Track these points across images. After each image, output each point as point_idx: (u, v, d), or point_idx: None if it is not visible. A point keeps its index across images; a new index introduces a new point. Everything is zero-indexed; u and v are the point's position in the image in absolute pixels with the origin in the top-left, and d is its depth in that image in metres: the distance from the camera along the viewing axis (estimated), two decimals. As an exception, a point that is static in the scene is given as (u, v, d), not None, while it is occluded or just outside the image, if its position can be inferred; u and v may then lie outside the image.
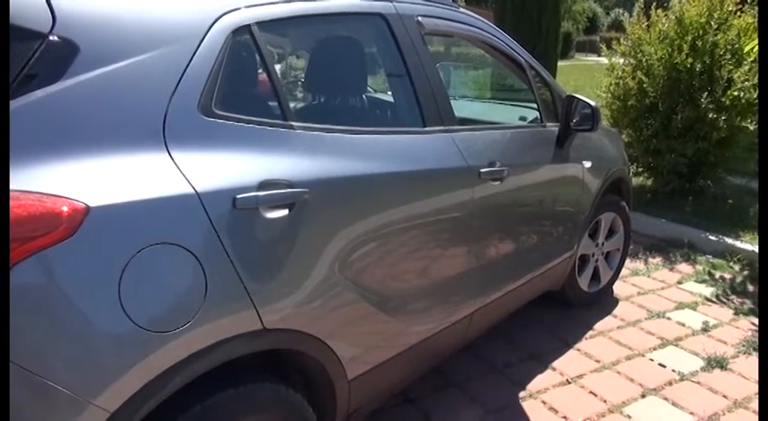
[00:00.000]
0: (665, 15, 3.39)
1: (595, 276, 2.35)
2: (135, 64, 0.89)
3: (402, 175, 1.28)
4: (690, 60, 3.14)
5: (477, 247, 1.55)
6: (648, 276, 2.69)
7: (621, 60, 3.59)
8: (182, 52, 0.95)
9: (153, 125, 0.89)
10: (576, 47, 27.43)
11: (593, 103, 1.88)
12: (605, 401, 1.74)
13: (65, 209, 0.76)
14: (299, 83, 1.84)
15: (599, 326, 2.21)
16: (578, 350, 2.03)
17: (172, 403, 0.88)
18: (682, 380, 1.86)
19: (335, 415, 1.20)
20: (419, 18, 1.48)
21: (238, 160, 0.98)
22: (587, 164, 2.06)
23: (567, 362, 1.95)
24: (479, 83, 3.32)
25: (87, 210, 0.78)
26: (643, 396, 1.77)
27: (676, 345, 2.07)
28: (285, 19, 1.16)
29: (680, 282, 2.63)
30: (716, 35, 3.15)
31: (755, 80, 3.06)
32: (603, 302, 2.39)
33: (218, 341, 0.91)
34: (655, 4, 3.41)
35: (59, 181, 0.78)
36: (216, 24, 1.01)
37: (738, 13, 3.24)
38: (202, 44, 0.97)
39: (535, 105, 1.94)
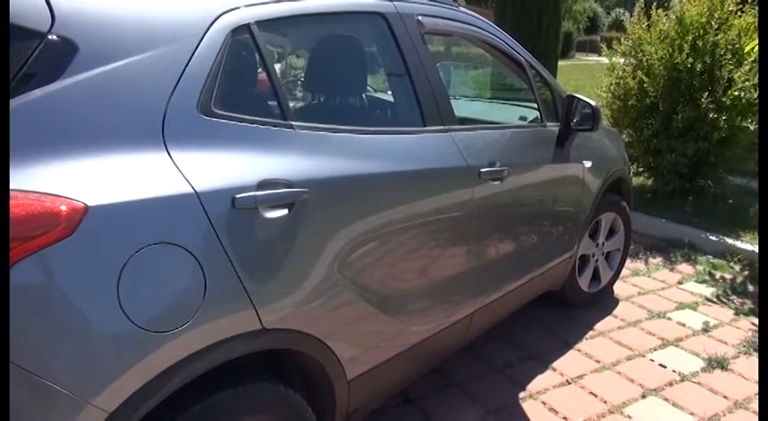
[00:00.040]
0: (666, 15, 3.38)
1: (596, 276, 2.35)
2: (134, 63, 0.89)
3: (402, 175, 1.28)
4: (690, 60, 3.13)
5: (477, 247, 1.55)
6: (649, 276, 2.69)
7: (622, 60, 3.58)
8: (181, 51, 0.95)
9: (152, 124, 0.89)
10: (576, 46, 27.41)
11: (593, 103, 1.87)
12: (605, 402, 1.74)
13: (63, 208, 0.76)
14: (299, 82, 1.84)
15: (599, 326, 2.21)
16: (578, 350, 2.02)
17: (171, 403, 0.88)
18: (682, 380, 1.86)
19: (335, 415, 1.20)
20: (419, 17, 1.48)
21: (238, 160, 0.97)
22: (588, 164, 2.06)
23: (568, 362, 1.95)
24: (479, 82, 3.32)
25: (86, 209, 0.77)
26: (643, 396, 1.77)
27: (677, 346, 2.07)
28: (285, 18, 1.16)
29: (680, 283, 2.62)
30: (716, 35, 3.15)
31: (756, 80, 3.06)
32: (604, 302, 2.39)
33: (218, 341, 0.91)
34: (655, 3, 3.41)
35: (58, 180, 0.77)
36: (215, 23, 1.00)
37: (739, 13, 3.23)
38: (202, 43, 0.97)
39: (535, 105, 1.94)
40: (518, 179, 1.68)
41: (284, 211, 1.00)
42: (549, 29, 5.21)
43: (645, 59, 3.33)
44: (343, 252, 1.12)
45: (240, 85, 1.14)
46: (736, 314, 2.32)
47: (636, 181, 3.63)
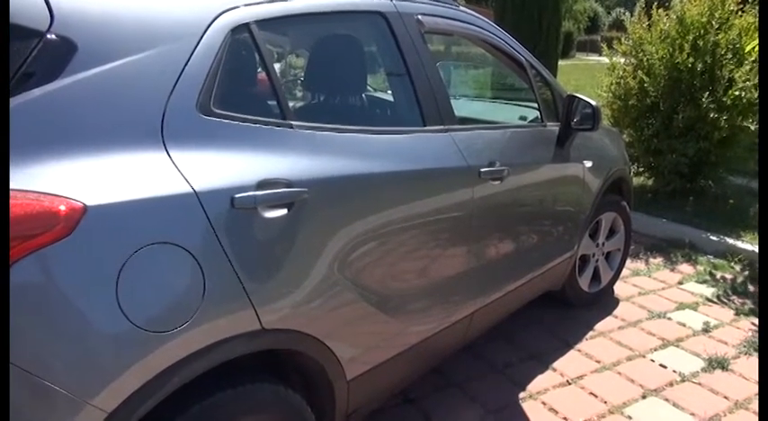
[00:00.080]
0: (667, 15, 3.38)
1: (596, 276, 2.34)
2: (133, 62, 0.89)
3: (401, 175, 1.28)
4: (691, 60, 3.13)
5: (477, 247, 1.54)
6: (649, 276, 2.69)
7: (622, 60, 3.58)
8: (180, 51, 0.94)
9: (151, 124, 0.89)
10: (576, 46, 27.39)
11: (593, 103, 1.87)
12: (606, 402, 1.73)
13: (62, 208, 0.76)
14: (299, 82, 1.84)
15: (599, 326, 2.20)
16: (579, 350, 2.02)
17: (170, 403, 0.87)
18: (683, 380, 1.86)
19: (334, 415, 1.20)
20: (419, 16, 1.47)
21: (237, 159, 0.97)
22: (588, 163, 2.06)
23: (568, 362, 1.94)
24: (480, 82, 3.31)
25: (85, 209, 0.77)
26: (644, 397, 1.77)
27: (677, 346, 2.07)
28: (284, 17, 1.16)
29: (681, 283, 2.62)
30: (717, 35, 3.14)
31: (756, 80, 3.06)
32: (604, 303, 2.38)
33: (217, 341, 0.91)
34: (656, 3, 3.40)
35: (57, 180, 0.77)
36: (215, 23, 1.00)
37: (740, 13, 3.23)
38: (201, 42, 0.97)
39: (536, 105, 1.94)
40: (518, 179, 1.67)
41: (283, 211, 1.00)
42: (549, 28, 5.21)
43: (645, 59, 3.33)
44: (342, 252, 1.12)
45: (239, 84, 1.14)
46: (737, 314, 2.32)
47: (636, 181, 3.62)
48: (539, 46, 4.94)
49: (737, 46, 3.16)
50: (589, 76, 8.31)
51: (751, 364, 1.95)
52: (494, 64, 2.50)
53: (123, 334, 0.80)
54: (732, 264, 2.79)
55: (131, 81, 0.88)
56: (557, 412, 1.68)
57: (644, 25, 3.44)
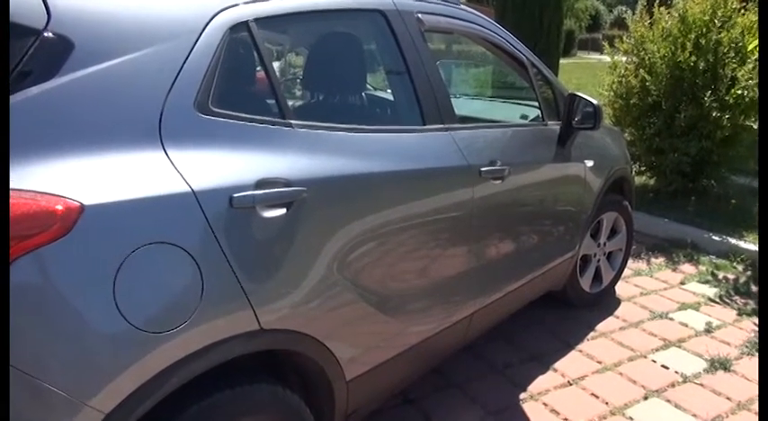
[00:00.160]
0: (669, 13, 3.37)
1: (597, 276, 2.33)
2: (131, 61, 0.88)
3: (401, 174, 1.27)
4: (693, 58, 3.11)
5: (478, 247, 1.54)
6: (651, 276, 2.68)
7: (624, 58, 3.57)
8: (178, 49, 0.94)
9: (149, 123, 0.88)
10: (578, 45, 27.32)
11: (595, 102, 1.86)
12: (607, 403, 1.73)
13: (59, 207, 0.75)
14: (298, 80, 1.83)
15: (601, 326, 2.19)
16: (580, 351, 2.01)
17: (168, 404, 0.87)
18: (684, 381, 1.85)
19: (333, 415, 1.19)
20: (419, 15, 1.47)
21: (235, 158, 0.97)
22: (589, 163, 2.05)
23: (569, 363, 1.93)
24: (480, 81, 3.31)
25: (82, 208, 0.77)
26: (645, 398, 1.76)
27: (679, 347, 2.06)
28: (283, 15, 1.15)
29: (683, 283, 2.61)
30: (719, 33, 3.13)
31: (759, 78, 3.04)
32: (605, 303, 2.37)
33: (215, 341, 0.90)
34: (658, 1, 3.39)
35: (54, 179, 0.77)
36: (213, 21, 0.99)
37: (742, 11, 3.21)
38: (199, 41, 0.96)
39: (537, 103, 1.93)
40: (519, 178, 1.67)
41: (282, 211, 0.99)
42: (550, 26, 5.20)
43: (647, 58, 3.31)
44: (342, 251, 1.11)
45: (238, 83, 1.13)
46: (739, 314, 2.31)
47: (638, 180, 3.61)
48: (540, 44, 4.93)
49: (740, 44, 3.15)
50: (590, 75, 8.30)
51: (753, 365, 1.93)
52: (494, 62, 2.50)
53: (121, 334, 0.80)
54: (734, 264, 2.78)
55: (129, 79, 0.88)
56: (558, 413, 1.67)
57: (646, 23, 3.42)
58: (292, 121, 1.09)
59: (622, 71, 3.52)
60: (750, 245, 2.88)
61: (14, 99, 0.77)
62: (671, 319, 2.26)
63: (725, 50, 3.13)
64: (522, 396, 1.75)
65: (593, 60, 17.17)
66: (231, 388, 0.95)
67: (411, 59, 1.40)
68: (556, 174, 1.92)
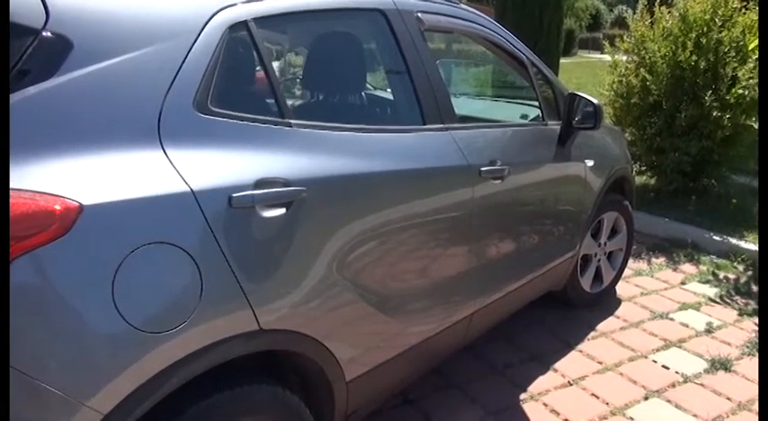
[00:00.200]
0: (669, 12, 3.36)
1: (598, 276, 2.33)
2: (130, 60, 0.88)
3: (401, 174, 1.27)
4: (694, 58, 3.11)
5: (478, 247, 1.53)
6: (651, 276, 2.67)
7: (624, 58, 3.56)
8: (177, 49, 0.94)
9: (148, 122, 0.88)
10: (578, 44, 27.30)
11: (595, 101, 1.86)
12: (607, 403, 1.72)
13: (58, 207, 0.75)
14: (297, 80, 1.83)
15: (601, 327, 2.19)
16: (580, 351, 2.01)
17: (167, 405, 0.87)
18: (685, 381, 1.85)
19: (333, 416, 1.19)
20: (419, 14, 1.46)
21: (234, 158, 0.96)
22: (589, 162, 2.04)
23: (569, 363, 1.93)
24: (480, 80, 3.30)
25: (81, 208, 0.76)
26: (646, 398, 1.76)
27: (680, 347, 2.05)
28: (283, 15, 1.15)
29: (683, 283, 2.61)
30: (720, 32, 3.12)
31: (760, 78, 3.03)
32: (606, 303, 2.37)
33: (214, 342, 0.90)
34: (658, 0, 3.38)
35: (52, 179, 0.77)
36: (212, 20, 0.99)
37: (743, 11, 3.21)
38: (198, 40, 0.96)
39: (537, 103, 1.92)
40: (519, 178, 1.66)
41: (282, 210, 0.99)
42: (550, 26, 5.19)
43: (648, 57, 3.31)
44: (341, 251, 1.11)
45: (237, 82, 1.13)
46: (740, 315, 2.30)
47: (639, 180, 3.61)
48: (540, 43, 4.93)
49: (741, 43, 3.14)
50: (591, 74, 8.28)
51: (754, 365, 1.93)
52: (494, 62, 2.49)
53: (119, 335, 0.80)
54: (735, 264, 2.77)
55: (128, 79, 0.88)
56: (558, 413, 1.67)
57: (646, 23, 3.42)
58: (292, 121, 1.09)
59: (623, 70, 3.52)
60: (751, 244, 2.87)
61: (13, 99, 0.77)
62: (671, 319, 2.26)
63: (725, 50, 3.12)
64: (522, 396, 1.74)
65: (594, 60, 17.14)
66: (230, 388, 0.95)
67: (411, 59, 1.39)
68: (556, 173, 1.92)
